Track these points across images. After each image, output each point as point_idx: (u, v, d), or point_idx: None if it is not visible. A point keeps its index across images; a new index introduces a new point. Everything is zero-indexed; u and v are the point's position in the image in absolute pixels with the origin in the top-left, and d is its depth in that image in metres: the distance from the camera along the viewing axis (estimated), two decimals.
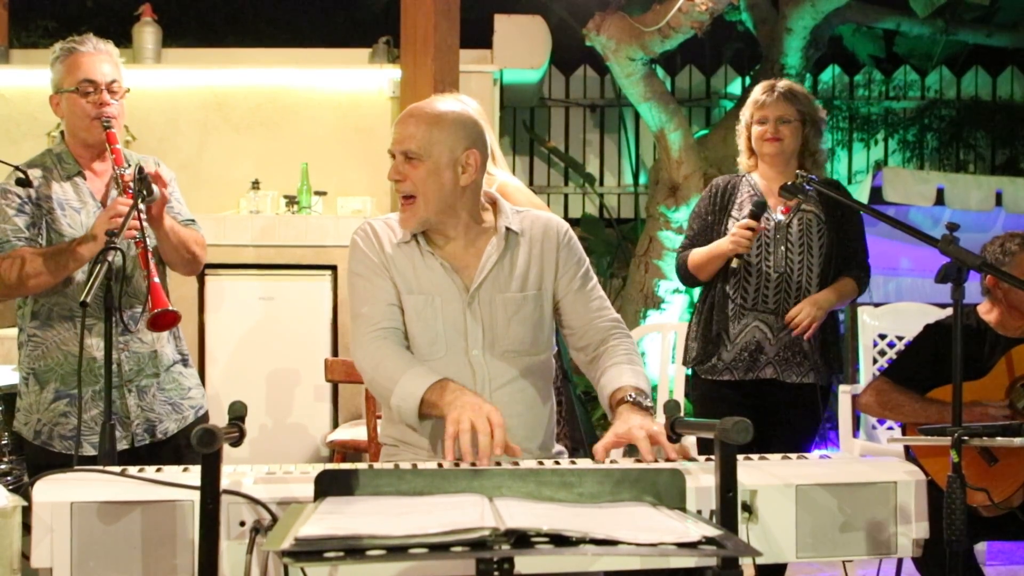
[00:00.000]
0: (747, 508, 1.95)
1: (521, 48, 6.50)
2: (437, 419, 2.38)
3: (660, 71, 7.51)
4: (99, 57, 3.13)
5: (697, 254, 3.71)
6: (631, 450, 2.35)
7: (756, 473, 2.02)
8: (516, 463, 2.21)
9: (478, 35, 6.46)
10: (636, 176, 7.99)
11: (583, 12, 6.68)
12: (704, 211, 3.77)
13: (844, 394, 4.76)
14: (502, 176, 3.74)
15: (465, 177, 2.55)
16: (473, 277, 2.58)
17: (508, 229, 2.63)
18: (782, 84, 3.73)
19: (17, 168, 3.03)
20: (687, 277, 3.79)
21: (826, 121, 3.81)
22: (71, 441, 2.99)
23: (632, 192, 8.03)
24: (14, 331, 3.28)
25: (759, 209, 3.60)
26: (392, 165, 2.55)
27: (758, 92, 3.72)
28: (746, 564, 1.95)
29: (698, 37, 6.36)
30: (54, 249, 3.00)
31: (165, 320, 2.92)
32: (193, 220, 3.30)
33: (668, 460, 2.19)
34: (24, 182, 3.02)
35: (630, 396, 2.43)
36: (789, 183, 3.28)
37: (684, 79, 8.13)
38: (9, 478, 3.83)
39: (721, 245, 3.63)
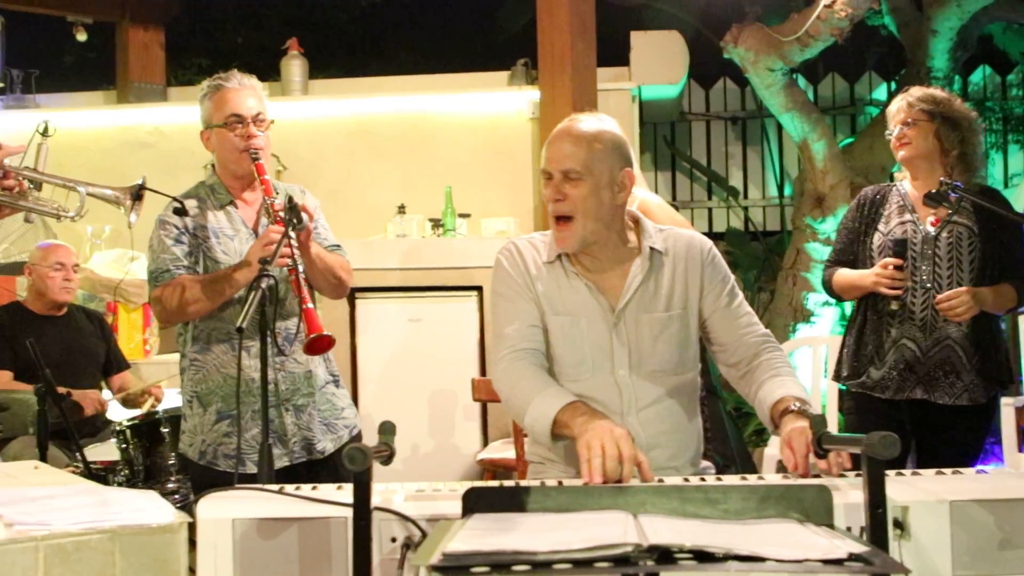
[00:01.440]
0: (899, 525, 1.91)
1: (659, 64, 6.49)
2: (570, 440, 2.37)
3: (801, 80, 7.39)
4: (244, 92, 3.25)
5: (841, 278, 3.67)
6: (782, 466, 2.31)
7: (908, 489, 1.97)
8: (660, 480, 2.20)
9: (615, 53, 6.48)
10: (781, 188, 7.87)
11: (720, 25, 6.62)
12: (851, 223, 3.70)
13: (1007, 407, 4.57)
14: (642, 194, 3.74)
15: (620, 196, 2.57)
16: (618, 298, 2.58)
17: (652, 249, 2.63)
18: (912, 90, 3.65)
19: (175, 199, 3.17)
20: (833, 295, 3.77)
21: (970, 114, 3.64)
22: (234, 460, 3.11)
23: (777, 204, 7.91)
24: (176, 356, 3.42)
25: (900, 248, 3.52)
26: (549, 184, 2.55)
27: (892, 104, 3.68)
28: None
29: (839, 44, 6.24)
30: (211, 276, 3.12)
31: (320, 344, 3.00)
32: (339, 246, 3.39)
33: (826, 472, 2.16)
34: (181, 211, 3.15)
35: (794, 405, 2.38)
36: (933, 191, 3.19)
37: (827, 87, 7.98)
38: (176, 496, 4.01)
39: (865, 278, 3.57)
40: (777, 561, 1.48)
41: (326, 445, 3.27)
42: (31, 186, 2.90)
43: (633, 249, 2.64)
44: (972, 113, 3.66)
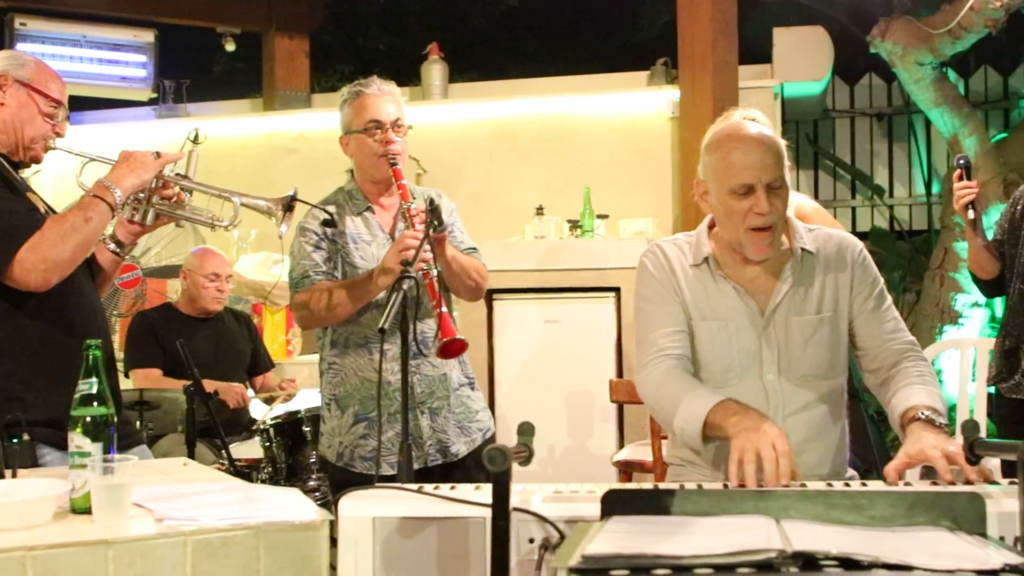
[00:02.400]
0: None
1: (802, 60, 6.36)
2: (721, 441, 2.34)
3: (952, 74, 7.14)
4: (383, 98, 3.29)
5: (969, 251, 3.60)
6: (928, 472, 2.24)
7: None
8: (804, 484, 2.15)
9: (757, 50, 6.38)
10: (928, 186, 7.62)
11: (866, 19, 6.45)
12: (1002, 223, 3.56)
13: None
14: (797, 198, 3.66)
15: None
16: (768, 300, 2.54)
17: (804, 250, 2.58)
18: None
19: (325, 210, 3.22)
20: (975, 279, 3.68)
21: None
22: (371, 462, 3.16)
23: (924, 202, 7.66)
24: (316, 357, 3.50)
25: (967, 164, 3.49)
26: (749, 197, 2.46)
27: None
28: None
29: (993, 35, 6.01)
30: (352, 281, 3.18)
31: (454, 348, 3.02)
32: (475, 248, 3.41)
33: (967, 483, 2.08)
34: (331, 223, 3.22)
35: (922, 414, 2.31)
36: None
37: (979, 81, 7.69)
38: (316, 494, 4.11)
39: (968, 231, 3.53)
40: (927, 571, 1.43)
41: (460, 448, 3.29)
42: (186, 194, 3.00)
43: (785, 251, 2.59)
44: None
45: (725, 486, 2.14)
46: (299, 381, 5.21)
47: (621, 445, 5.22)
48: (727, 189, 2.48)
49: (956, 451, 2.13)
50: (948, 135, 6.43)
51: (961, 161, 3.47)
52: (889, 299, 2.63)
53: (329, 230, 3.24)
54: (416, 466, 3.14)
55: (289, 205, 3.01)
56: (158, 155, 2.87)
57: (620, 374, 5.28)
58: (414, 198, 3.21)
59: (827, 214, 3.73)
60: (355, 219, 3.30)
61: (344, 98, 3.36)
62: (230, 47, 7.28)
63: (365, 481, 2.84)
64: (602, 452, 5.15)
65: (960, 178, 3.45)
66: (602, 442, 5.30)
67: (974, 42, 6.08)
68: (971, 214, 3.44)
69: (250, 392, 5.04)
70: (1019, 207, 3.52)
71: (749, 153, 2.46)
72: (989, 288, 3.64)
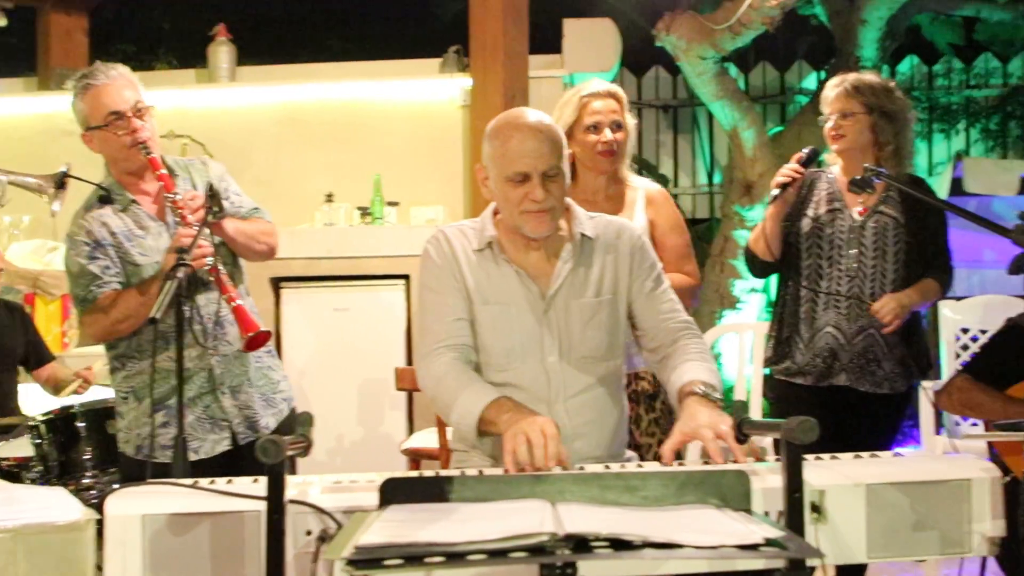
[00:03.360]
0: (816, 509, 1.92)
1: (591, 51, 6.47)
2: (495, 436, 2.37)
3: (733, 69, 7.43)
4: (117, 84, 3.08)
5: (754, 230, 3.67)
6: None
7: (826, 473, 1.98)
8: (581, 467, 2.20)
9: (548, 40, 6.46)
10: (711, 176, 7.92)
11: (653, 13, 6.63)
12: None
13: (925, 391, 4.65)
14: (645, 183, 3.69)
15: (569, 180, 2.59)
16: (549, 284, 2.58)
17: (583, 235, 2.62)
18: (851, 77, 3.60)
19: (99, 187, 3.06)
20: (748, 258, 3.72)
21: (908, 111, 3.62)
22: (171, 451, 3.03)
23: (707, 192, 7.95)
24: (96, 349, 3.34)
25: (812, 155, 3.53)
26: (524, 184, 2.49)
27: (827, 88, 3.63)
28: (827, 567, 1.92)
29: (770, 33, 6.28)
30: (139, 289, 3.01)
31: (258, 341, 2.97)
32: (257, 208, 3.29)
33: (736, 461, 2.17)
34: (107, 199, 3.05)
35: (698, 389, 2.39)
36: (857, 178, 3.20)
37: (758, 76, 8.03)
38: (93, 492, 3.92)
39: (767, 209, 3.58)
40: (693, 548, 1.48)
41: (268, 420, 3.21)
42: None
43: (564, 235, 2.63)
44: (909, 105, 3.64)
45: (505, 472, 2.16)
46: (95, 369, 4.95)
47: (411, 433, 5.22)
48: (504, 176, 2.51)
49: (728, 430, 2.21)
50: (728, 127, 6.68)
51: (806, 150, 3.55)
52: (667, 282, 2.72)
53: (99, 235, 3.04)
54: (224, 448, 3.11)
55: (61, 182, 2.84)
56: None
57: (410, 361, 5.27)
58: (176, 175, 3.09)
59: (671, 200, 3.78)
60: (122, 216, 3.11)
61: (74, 93, 3.11)
62: (2, 22, 6.85)
63: (168, 471, 2.73)
64: (393, 440, 5.14)
65: (798, 161, 3.52)
66: (393, 430, 5.29)
67: (753, 39, 6.33)
68: (775, 192, 3.50)
69: (34, 387, 4.79)
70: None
71: (525, 141, 2.49)
72: (765, 269, 3.72)
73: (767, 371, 3.82)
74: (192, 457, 2.92)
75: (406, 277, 5.32)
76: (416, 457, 4.34)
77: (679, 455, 2.34)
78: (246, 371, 3.19)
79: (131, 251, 3.09)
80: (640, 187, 3.62)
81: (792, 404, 3.54)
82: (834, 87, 3.60)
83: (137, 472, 3.07)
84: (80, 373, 4.74)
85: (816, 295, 3.56)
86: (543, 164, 2.48)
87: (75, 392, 4.62)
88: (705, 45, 6.35)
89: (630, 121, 3.56)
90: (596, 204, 3.47)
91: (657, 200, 3.60)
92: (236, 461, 3.04)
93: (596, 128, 3.46)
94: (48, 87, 6.69)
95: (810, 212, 3.61)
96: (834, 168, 3.68)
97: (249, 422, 3.17)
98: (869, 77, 3.63)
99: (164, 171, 3.06)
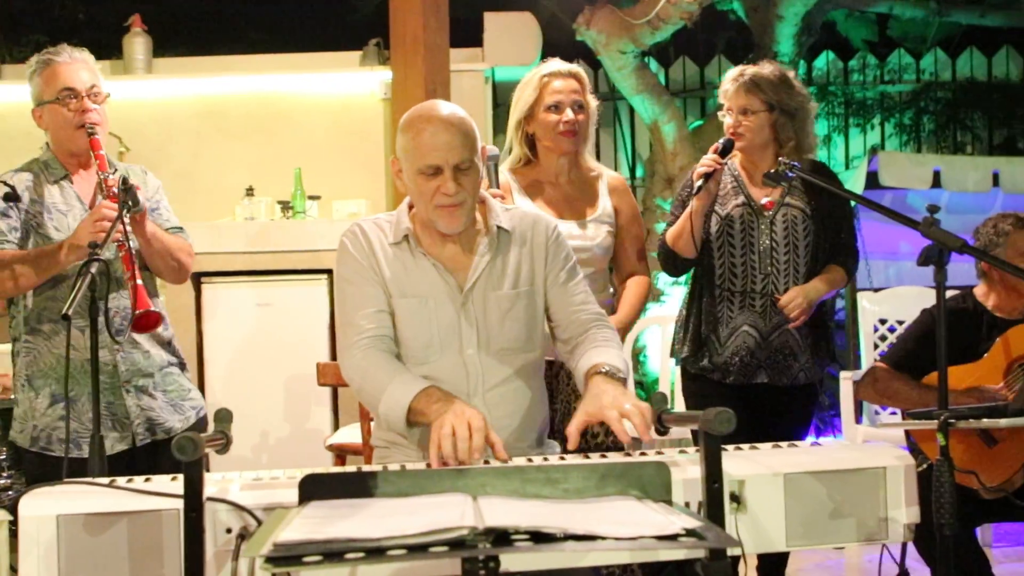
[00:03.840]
0: (735, 498, 1.95)
1: (512, 45, 6.48)
2: (425, 426, 2.37)
3: (653, 63, 7.49)
4: (76, 65, 3.13)
5: (673, 227, 3.60)
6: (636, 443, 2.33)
7: (745, 463, 2.02)
8: (505, 460, 2.20)
9: (469, 34, 6.45)
10: (632, 169, 7.97)
11: (573, 7, 6.66)
12: (685, 197, 3.62)
13: (845, 380, 4.74)
14: (608, 172, 3.65)
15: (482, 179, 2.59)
16: (466, 277, 2.58)
17: (499, 228, 2.63)
18: (749, 71, 3.53)
19: (4, 183, 3.03)
20: (667, 256, 3.65)
21: (807, 104, 3.57)
22: (70, 444, 2.98)
23: (629, 185, 8.00)
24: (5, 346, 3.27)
25: (727, 145, 3.47)
26: (436, 178, 2.48)
27: (725, 80, 3.57)
28: (749, 555, 1.95)
29: (689, 28, 6.34)
30: (39, 251, 3.00)
31: (147, 321, 2.91)
32: (181, 228, 3.29)
33: (636, 440, 2.19)
34: (12, 196, 3.02)
35: (603, 368, 2.41)
36: (772, 171, 3.21)
37: (678, 71, 8.10)
38: (10, 492, 3.84)
39: (690, 206, 3.50)
40: (614, 539, 1.49)
41: (173, 425, 3.18)
42: None
43: (480, 229, 2.63)
44: (808, 97, 3.59)
45: (428, 466, 2.15)
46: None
47: (336, 428, 5.18)
48: (416, 169, 2.51)
49: (632, 409, 2.24)
50: (649, 121, 6.74)
51: (722, 140, 3.50)
52: (581, 274, 2.74)
53: (22, 204, 3.04)
54: (124, 446, 3.08)
55: None
56: None
57: (333, 357, 5.23)
58: (115, 170, 3.06)
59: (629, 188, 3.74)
60: (51, 188, 3.12)
61: (33, 68, 3.16)
62: None
63: (60, 465, 2.68)
64: (318, 436, 5.09)
65: (716, 151, 3.47)
66: (317, 426, 5.25)
67: (672, 33, 6.39)
68: (699, 184, 3.45)
69: None
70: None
71: (437, 134, 2.48)
72: (684, 266, 3.67)
73: (676, 364, 3.81)
74: (86, 454, 2.89)
75: (328, 271, 5.27)
76: (341, 453, 4.31)
77: (584, 435, 2.34)
78: (153, 374, 3.17)
79: (47, 223, 3.08)
80: (602, 173, 3.60)
81: (710, 399, 3.53)
82: (732, 81, 3.53)
83: (37, 464, 3.06)
84: None
85: (732, 294, 3.55)
86: (455, 157, 2.48)
87: None
88: (625, 40, 6.40)
89: (592, 103, 3.51)
90: (559, 187, 3.47)
91: (619, 188, 3.59)
92: (133, 461, 3.03)
93: (557, 108, 3.40)
94: None
95: (718, 208, 3.57)
96: (733, 161, 3.63)
97: (150, 423, 3.15)
98: (767, 70, 3.55)
99: (103, 152, 3.05)
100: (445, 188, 2.48)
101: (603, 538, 1.49)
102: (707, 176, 3.46)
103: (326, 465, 4.03)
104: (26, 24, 7.78)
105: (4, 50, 6.96)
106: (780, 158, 3.32)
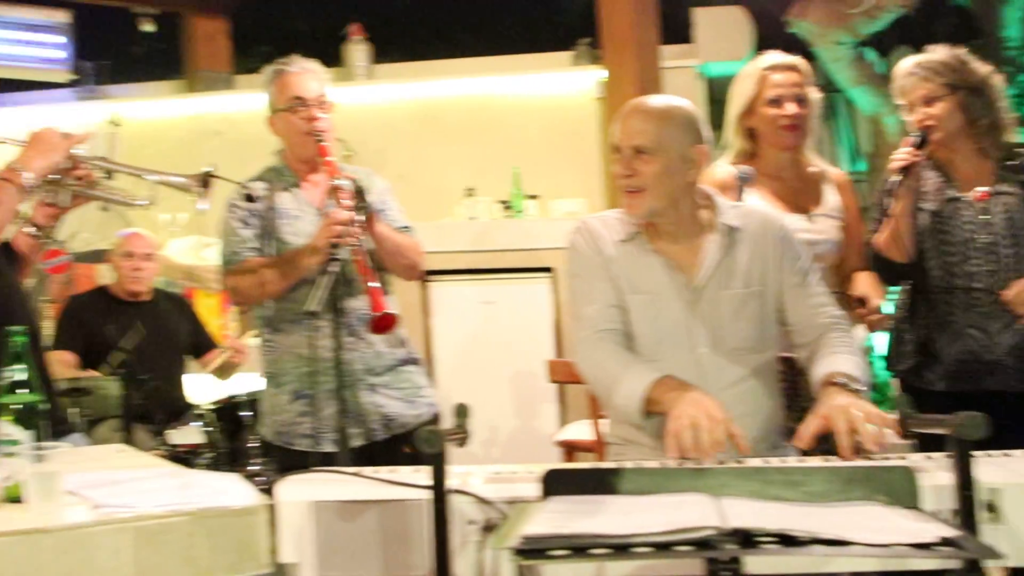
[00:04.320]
0: (991, 508, 1.85)
1: (723, 40, 6.40)
2: (661, 416, 2.35)
3: (871, 53, 7.25)
4: (306, 75, 3.28)
5: (882, 232, 3.31)
6: (824, 442, 2.26)
7: (999, 471, 1.91)
8: (740, 461, 2.18)
9: (679, 30, 6.41)
10: (853, 163, 7.75)
11: None
12: (887, 198, 3.33)
13: None
14: (831, 168, 3.58)
15: (692, 173, 2.55)
16: (696, 275, 2.56)
17: (728, 225, 2.60)
18: (922, 60, 3.31)
19: (244, 186, 3.20)
20: (882, 264, 3.35)
21: (991, 77, 3.28)
22: (310, 439, 3.14)
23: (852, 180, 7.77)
24: (255, 340, 3.47)
25: (923, 137, 3.21)
26: (619, 160, 2.53)
27: (898, 77, 3.35)
28: (999, 570, 1.86)
29: (908, 15, 6.12)
30: (281, 258, 3.16)
31: (384, 323, 3.02)
32: (408, 227, 3.39)
33: (864, 449, 2.11)
34: (251, 199, 3.19)
35: (839, 379, 2.34)
36: (1011, 162, 2.99)
37: (898, 60, 7.79)
38: (259, 479, 4.06)
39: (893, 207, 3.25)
40: (864, 545, 1.46)
41: (407, 420, 3.27)
42: (103, 175, 2.95)
43: (707, 226, 2.61)
44: (991, 70, 3.32)
45: (664, 464, 2.16)
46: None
47: (563, 425, 5.23)
48: (611, 151, 2.58)
49: (860, 417, 2.16)
50: (869, 113, 6.53)
51: (917, 133, 3.25)
52: (817, 275, 2.67)
53: (258, 206, 3.21)
54: (359, 442, 3.16)
55: (205, 181, 2.97)
56: (67, 136, 2.82)
57: (559, 354, 5.27)
58: (345, 176, 3.19)
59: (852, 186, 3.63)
60: (283, 195, 3.28)
61: (267, 78, 3.34)
62: (148, 28, 7.10)
63: (305, 459, 2.84)
64: (544, 432, 5.16)
65: (911, 145, 3.24)
66: (544, 422, 5.30)
67: (891, 22, 6.17)
68: (896, 179, 3.23)
69: (203, 376, 5.00)
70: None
71: (628, 119, 2.54)
72: (900, 274, 3.38)
73: (890, 374, 3.58)
74: (327, 448, 3.03)
75: (549, 269, 5.33)
76: (570, 449, 4.35)
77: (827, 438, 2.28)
78: (387, 372, 3.27)
79: (283, 228, 3.23)
80: (825, 168, 3.50)
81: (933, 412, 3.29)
82: (906, 75, 3.32)
83: (280, 457, 3.20)
84: (232, 343, 4.91)
85: (951, 295, 3.27)
86: (634, 140, 2.51)
87: (229, 362, 4.80)
88: (841, 30, 6.24)
89: (814, 95, 3.42)
90: (783, 181, 3.38)
91: (844, 184, 3.49)
92: (370, 457, 3.11)
93: (778, 102, 3.33)
94: (195, 89, 6.93)
95: (925, 205, 3.31)
96: (935, 155, 3.33)
97: (385, 420, 3.24)
98: (939, 54, 3.32)
99: (332, 159, 3.19)
100: (620, 169, 2.52)
101: (854, 543, 1.46)
102: (904, 170, 3.23)
103: (554, 461, 4.09)
104: (254, 37, 8.19)
105: (236, 61, 7.34)
106: (1017, 149, 3.12)
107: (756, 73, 3.40)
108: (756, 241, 2.61)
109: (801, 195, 3.39)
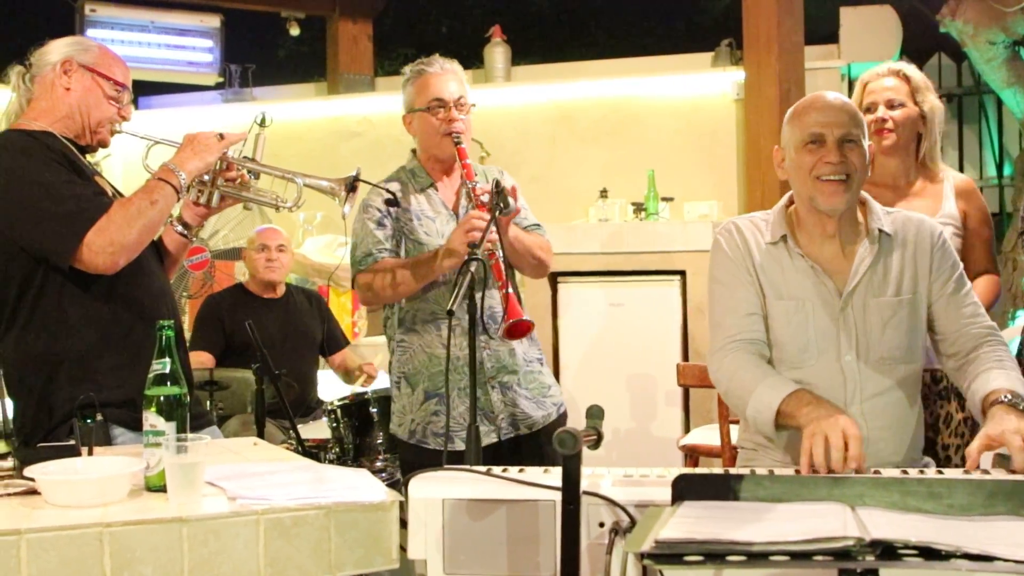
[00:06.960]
0: None
1: (869, 40, 6.26)
2: (794, 430, 2.33)
3: None
4: (446, 76, 3.28)
5: None
6: (1002, 459, 2.20)
7: None
8: (878, 471, 2.12)
9: (823, 30, 6.29)
10: (1000, 168, 7.47)
11: None
12: None
13: None
14: (954, 173, 3.55)
15: (869, 172, 2.53)
16: (846, 281, 2.50)
17: (881, 231, 2.54)
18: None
19: (387, 190, 3.24)
20: None
21: None
22: (442, 438, 3.17)
23: (996, 185, 7.50)
24: (382, 338, 3.51)
25: None
26: (819, 149, 2.47)
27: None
28: None
29: None
30: (416, 260, 3.18)
31: (519, 329, 3.02)
32: (538, 225, 3.39)
33: None
34: (394, 202, 3.22)
35: (1005, 397, 2.26)
36: None
37: None
38: (384, 475, 4.12)
39: None
40: (1013, 562, 1.40)
41: (535, 420, 3.28)
42: (251, 176, 3.02)
43: (860, 231, 2.55)
44: None
45: (797, 471, 2.11)
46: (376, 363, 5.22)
47: (687, 429, 5.18)
48: (800, 141, 2.50)
49: None
50: (1021, 115, 6.29)
51: None
52: (969, 284, 2.58)
53: (392, 209, 3.25)
54: (489, 440, 3.18)
55: (352, 185, 3.00)
56: (221, 137, 2.88)
57: (686, 357, 5.23)
58: (478, 177, 3.20)
59: (978, 191, 3.60)
60: (418, 196, 3.30)
61: (407, 77, 3.35)
62: (294, 31, 7.31)
63: (438, 457, 2.87)
64: (667, 436, 5.12)
65: None
66: (667, 426, 5.26)
67: None
68: None
69: (328, 372, 5.08)
70: None
71: (824, 112, 2.49)
72: None
73: None
74: (459, 447, 3.01)
75: (681, 273, 5.28)
76: (694, 454, 4.31)
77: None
78: (517, 371, 3.27)
79: (417, 229, 3.25)
80: (948, 176, 3.44)
81: None
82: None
83: (414, 456, 3.23)
84: (364, 368, 5.00)
85: None
86: (839, 129, 2.46)
87: (362, 385, 4.87)
88: (995, 29, 6.01)
89: (931, 102, 3.35)
90: (899, 190, 3.32)
91: (966, 191, 3.41)
92: (499, 455, 3.11)
93: (871, 108, 3.31)
94: (337, 91, 7.10)
95: None
96: None
97: (513, 419, 3.25)
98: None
99: (469, 161, 3.20)
100: (828, 157, 2.45)
101: (1000, 560, 1.40)
102: None
103: (677, 465, 4.04)
104: (396, 39, 8.36)
105: (377, 64, 7.49)
106: None
107: (860, 80, 3.41)
108: (909, 248, 2.54)
109: (915, 201, 3.32)
